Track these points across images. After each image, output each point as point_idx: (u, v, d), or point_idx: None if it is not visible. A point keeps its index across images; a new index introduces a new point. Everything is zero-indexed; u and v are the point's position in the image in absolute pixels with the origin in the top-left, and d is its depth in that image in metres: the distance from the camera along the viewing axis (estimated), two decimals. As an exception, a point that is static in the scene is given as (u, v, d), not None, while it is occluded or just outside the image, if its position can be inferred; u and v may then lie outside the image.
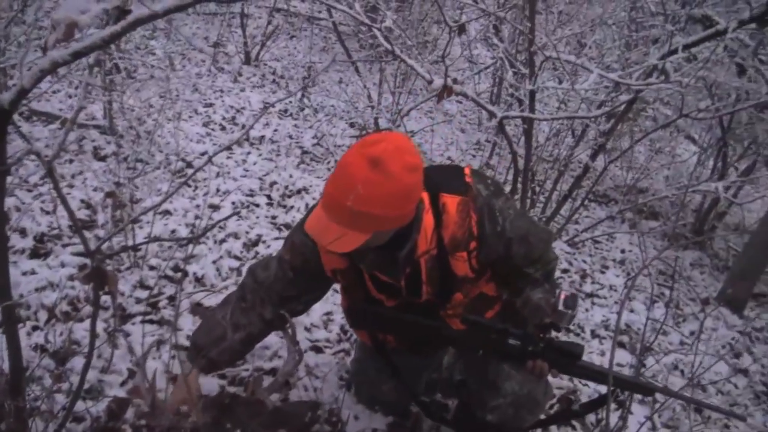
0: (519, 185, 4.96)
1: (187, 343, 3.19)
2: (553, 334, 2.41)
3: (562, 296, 2.20)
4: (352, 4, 4.37)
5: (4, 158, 1.70)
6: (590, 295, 5.52)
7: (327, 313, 4.01)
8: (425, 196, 2.23)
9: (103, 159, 5.43)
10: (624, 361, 4.55)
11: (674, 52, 4.12)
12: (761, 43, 5.63)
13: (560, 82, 5.11)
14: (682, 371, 4.62)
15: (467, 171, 2.32)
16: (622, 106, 5.19)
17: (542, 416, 2.78)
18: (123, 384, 2.93)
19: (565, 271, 5.81)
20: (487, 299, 2.55)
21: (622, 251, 6.84)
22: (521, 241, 2.33)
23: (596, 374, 2.42)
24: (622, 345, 4.84)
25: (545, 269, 2.47)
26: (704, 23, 5.34)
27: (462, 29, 4.72)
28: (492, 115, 4.31)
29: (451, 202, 2.24)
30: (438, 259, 2.29)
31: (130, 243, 3.85)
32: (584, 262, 6.20)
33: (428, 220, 2.23)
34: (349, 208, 1.95)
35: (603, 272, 6.14)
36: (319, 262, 2.45)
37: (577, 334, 4.78)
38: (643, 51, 5.55)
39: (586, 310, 5.22)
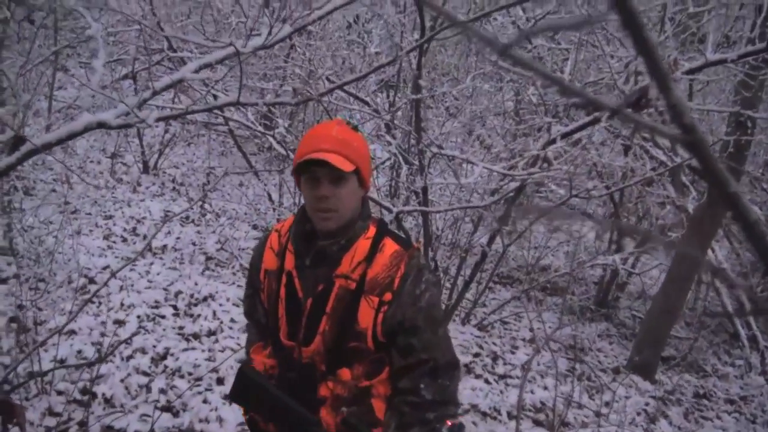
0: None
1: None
2: None
3: (448, 423, 2.20)
4: (245, 113, 4.46)
5: None
6: (503, 377, 5.59)
7: (240, 423, 3.96)
8: (372, 229, 2.31)
9: (4, 281, 5.29)
10: (542, 440, 4.62)
11: (553, 141, 4.35)
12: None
13: (454, 174, 5.28)
14: (600, 444, 4.71)
15: (418, 245, 2.39)
16: (513, 192, 5.40)
17: None
18: None
19: (476, 355, 5.89)
20: (371, 417, 2.40)
21: (531, 330, 6.97)
22: (429, 320, 2.29)
23: None
24: (539, 423, 4.90)
25: (441, 395, 2.32)
26: (587, 109, 5.65)
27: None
28: (388, 210, 4.43)
29: (390, 246, 2.29)
30: (351, 295, 2.27)
31: (36, 368, 3.74)
32: (494, 344, 6.30)
33: (363, 245, 2.27)
34: (334, 137, 2.12)
35: (513, 352, 6.24)
36: (261, 259, 2.48)
37: (494, 418, 4.83)
38: (529, 140, 5.81)
39: (501, 392, 5.28)
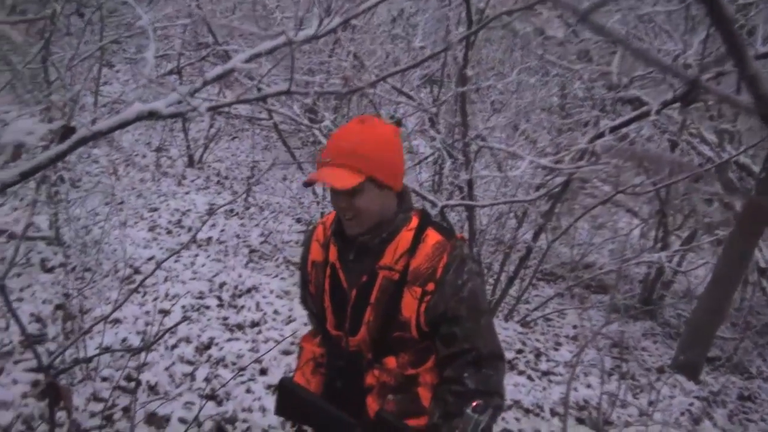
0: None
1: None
2: None
3: (473, 403, 2.18)
4: (290, 106, 4.48)
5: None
6: (546, 374, 5.55)
7: (284, 413, 3.98)
8: (415, 220, 2.32)
9: (50, 270, 5.38)
10: (585, 438, 4.57)
11: (601, 135, 4.29)
12: (688, 118, 5.88)
13: (499, 168, 5.25)
14: (643, 443, 4.64)
15: (461, 235, 2.39)
16: (558, 188, 5.36)
17: None
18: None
19: (519, 351, 5.86)
20: (417, 405, 2.40)
21: (574, 327, 6.93)
22: (472, 311, 2.29)
23: None
24: (582, 421, 4.86)
25: (485, 384, 2.32)
26: (633, 104, 5.58)
27: (398, 124, 4.86)
28: (433, 204, 4.42)
29: (433, 236, 2.29)
30: (394, 286, 2.28)
31: (81, 355, 3.80)
32: (537, 340, 6.26)
33: (406, 237, 2.28)
34: (344, 148, 2.15)
35: (557, 349, 6.20)
36: (309, 251, 2.52)
37: (537, 414, 4.80)
38: (575, 134, 5.76)
39: (544, 389, 5.24)
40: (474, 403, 2.14)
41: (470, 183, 4.75)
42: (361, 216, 2.24)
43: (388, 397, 2.39)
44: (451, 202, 4.99)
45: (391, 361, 2.39)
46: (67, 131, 1.93)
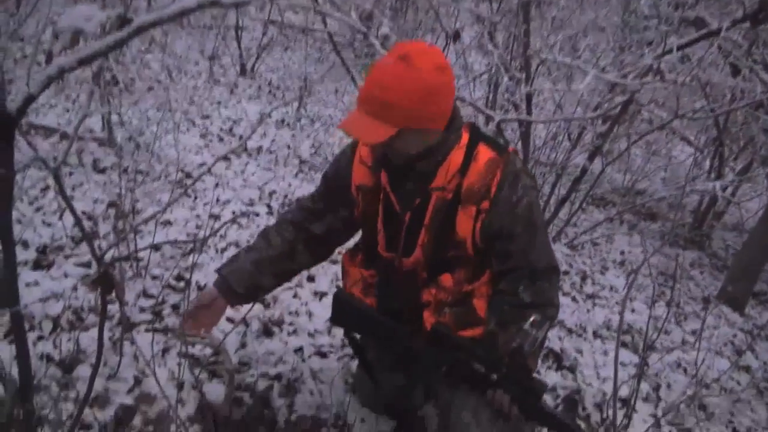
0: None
1: (192, 351, 3.22)
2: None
3: (531, 319, 2.18)
4: (347, 13, 4.39)
5: (11, 164, 1.71)
6: (591, 297, 5.53)
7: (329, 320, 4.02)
8: (465, 137, 2.25)
9: (102, 171, 5.43)
10: (627, 360, 4.55)
11: (669, 52, 4.14)
12: (754, 43, 5.66)
13: (554, 84, 5.13)
14: (684, 369, 4.63)
15: (513, 149, 2.33)
16: (618, 108, 5.22)
17: None
18: (129, 391, 2.93)
19: (565, 273, 5.83)
20: (473, 316, 2.41)
21: (622, 252, 6.86)
22: (528, 227, 2.26)
23: (556, 425, 2.23)
24: (624, 344, 4.85)
25: (539, 297, 2.31)
26: (697, 25, 5.37)
27: (457, 36, 4.76)
28: (490, 118, 4.35)
29: (484, 153, 2.23)
30: (448, 206, 2.26)
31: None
32: (584, 263, 6.22)
33: (457, 156, 2.23)
34: (377, 98, 2.02)
35: (603, 273, 6.16)
36: (350, 174, 2.46)
37: (579, 335, 4.80)
38: (638, 53, 5.59)
39: (588, 311, 5.23)
40: (531, 318, 2.15)
41: (529, 97, 4.64)
42: (401, 153, 2.18)
43: (443, 310, 2.41)
44: (509, 117, 4.90)
45: (446, 279, 2.39)
46: (124, 23, 1.90)
